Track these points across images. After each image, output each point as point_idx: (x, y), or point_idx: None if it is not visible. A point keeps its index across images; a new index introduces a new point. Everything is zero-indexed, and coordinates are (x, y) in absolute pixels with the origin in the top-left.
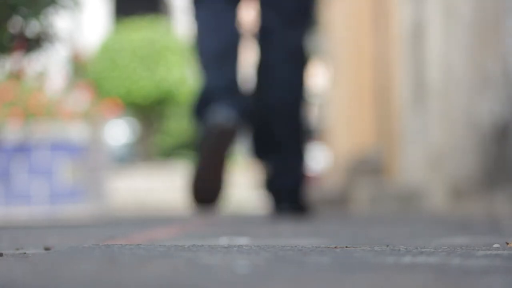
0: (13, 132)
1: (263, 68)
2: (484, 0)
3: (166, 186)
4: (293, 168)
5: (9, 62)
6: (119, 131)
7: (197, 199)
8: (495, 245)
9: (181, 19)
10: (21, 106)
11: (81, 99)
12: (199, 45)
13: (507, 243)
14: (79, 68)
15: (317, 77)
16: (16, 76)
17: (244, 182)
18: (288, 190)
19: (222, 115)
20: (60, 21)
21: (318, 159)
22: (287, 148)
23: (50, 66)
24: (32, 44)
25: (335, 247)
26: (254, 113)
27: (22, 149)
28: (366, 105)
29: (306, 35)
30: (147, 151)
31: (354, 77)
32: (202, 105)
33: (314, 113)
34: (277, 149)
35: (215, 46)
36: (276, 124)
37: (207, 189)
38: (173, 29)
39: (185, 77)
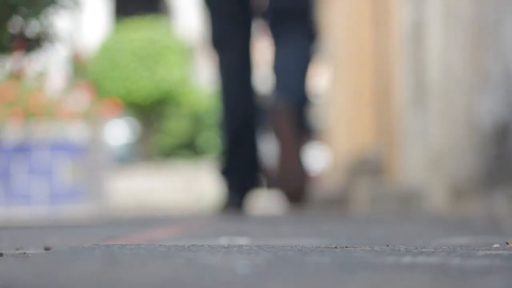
0: (13, 132)
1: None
2: (484, 0)
3: (166, 186)
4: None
5: (9, 62)
6: (119, 131)
7: (289, 197)
8: (495, 245)
9: (181, 19)
10: (21, 106)
11: (81, 99)
12: (223, 94)
13: (507, 243)
14: (79, 68)
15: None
16: (16, 76)
17: None
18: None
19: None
20: (60, 21)
21: (318, 159)
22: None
23: (50, 66)
24: (32, 44)
25: (335, 247)
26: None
27: (22, 149)
28: (366, 105)
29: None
30: (147, 151)
31: (354, 77)
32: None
33: (314, 113)
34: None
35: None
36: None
37: (296, 183)
38: (173, 29)
39: (185, 77)
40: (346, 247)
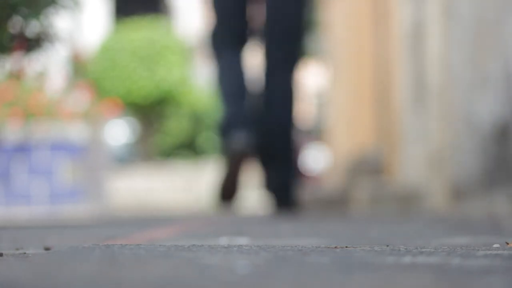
0: (13, 132)
1: (266, 99)
2: (484, 0)
3: (166, 186)
4: (286, 174)
5: (9, 62)
6: (119, 131)
7: (221, 197)
8: (495, 245)
9: (181, 19)
10: (21, 106)
11: (81, 99)
12: (220, 88)
13: (507, 243)
14: (79, 68)
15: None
16: (16, 76)
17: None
18: (281, 190)
19: (240, 140)
20: (60, 21)
21: (318, 159)
22: (282, 159)
23: (50, 66)
24: (32, 44)
25: (335, 247)
26: (261, 134)
27: (22, 149)
28: (366, 105)
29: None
30: (147, 151)
31: (354, 77)
32: (225, 130)
33: (314, 113)
34: (275, 159)
35: (231, 89)
36: (276, 142)
37: (229, 191)
38: (173, 29)
39: (185, 77)
40: (346, 247)
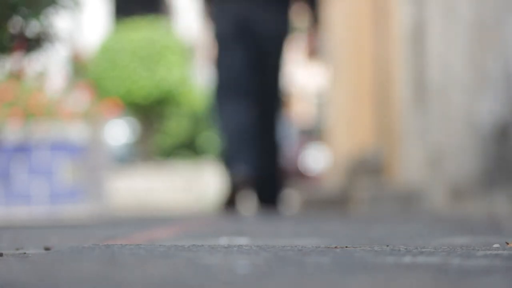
0: (13, 132)
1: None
2: (484, 0)
3: (166, 186)
4: (271, 179)
5: (9, 62)
6: (119, 131)
7: (226, 209)
8: (495, 245)
9: (181, 19)
10: (21, 106)
11: (81, 99)
12: (223, 132)
13: (507, 243)
14: (79, 68)
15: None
16: (16, 76)
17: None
18: (265, 190)
19: (239, 173)
20: (60, 21)
21: (318, 159)
22: (269, 168)
23: (50, 66)
24: (32, 44)
25: (335, 247)
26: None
27: (22, 149)
28: (366, 105)
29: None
30: (147, 151)
31: (354, 77)
32: (227, 163)
33: (314, 113)
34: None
35: (233, 135)
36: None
37: (230, 205)
38: (173, 29)
39: (185, 77)
40: (346, 247)
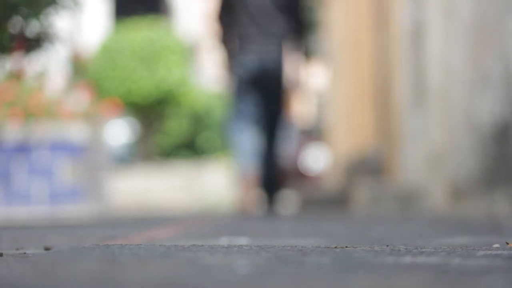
0: (13, 132)
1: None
2: (484, 0)
3: (166, 186)
4: (272, 184)
5: (9, 62)
6: (119, 131)
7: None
8: (495, 245)
9: (181, 19)
10: (21, 106)
11: (81, 99)
12: (236, 152)
13: (507, 243)
14: (79, 68)
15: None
16: (16, 76)
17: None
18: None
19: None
20: (60, 21)
21: (318, 159)
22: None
23: (50, 66)
24: (32, 44)
25: (335, 247)
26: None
27: (22, 149)
28: (366, 105)
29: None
30: (147, 151)
31: (354, 77)
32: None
33: (314, 113)
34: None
35: (246, 154)
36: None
37: (247, 210)
38: (173, 29)
39: (185, 77)
40: (346, 247)
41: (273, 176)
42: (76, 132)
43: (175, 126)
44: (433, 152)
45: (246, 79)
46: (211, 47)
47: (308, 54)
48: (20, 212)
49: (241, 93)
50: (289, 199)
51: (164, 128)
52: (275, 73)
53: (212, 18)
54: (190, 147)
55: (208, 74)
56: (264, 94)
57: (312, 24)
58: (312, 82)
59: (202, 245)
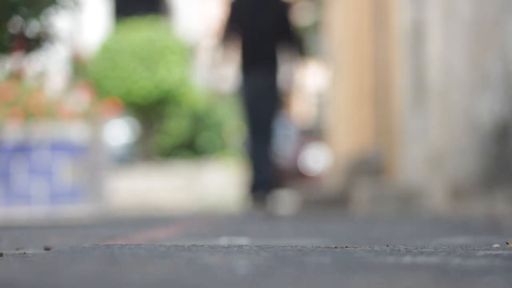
0: (13, 132)
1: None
2: (484, 0)
3: (166, 186)
4: (265, 183)
5: (9, 62)
6: (119, 131)
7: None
8: (495, 245)
9: (181, 19)
10: (21, 106)
11: (81, 99)
12: (250, 164)
13: (507, 243)
14: (79, 68)
15: (317, 77)
16: (16, 76)
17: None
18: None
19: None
20: (60, 21)
21: (318, 159)
22: (265, 176)
23: (50, 66)
24: (32, 44)
25: (335, 247)
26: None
27: (22, 149)
28: (366, 105)
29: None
30: (147, 151)
31: (354, 77)
32: (253, 189)
33: (314, 113)
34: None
35: (258, 166)
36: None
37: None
38: (173, 29)
39: (185, 77)
40: (346, 247)
41: (270, 177)
42: (76, 132)
43: (175, 126)
44: (433, 152)
45: (254, 94)
46: (211, 48)
47: (308, 54)
48: (20, 212)
49: (252, 108)
50: (289, 199)
51: (164, 128)
52: (271, 91)
53: (217, 36)
54: (190, 147)
55: (208, 74)
56: (259, 105)
57: (313, 25)
58: (312, 82)
59: (202, 245)
